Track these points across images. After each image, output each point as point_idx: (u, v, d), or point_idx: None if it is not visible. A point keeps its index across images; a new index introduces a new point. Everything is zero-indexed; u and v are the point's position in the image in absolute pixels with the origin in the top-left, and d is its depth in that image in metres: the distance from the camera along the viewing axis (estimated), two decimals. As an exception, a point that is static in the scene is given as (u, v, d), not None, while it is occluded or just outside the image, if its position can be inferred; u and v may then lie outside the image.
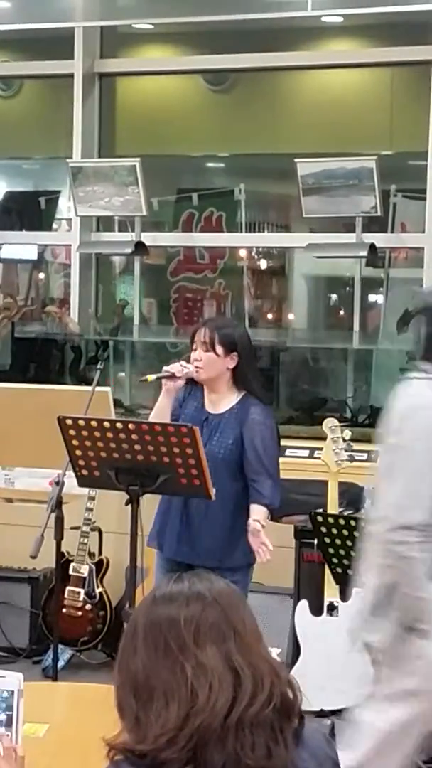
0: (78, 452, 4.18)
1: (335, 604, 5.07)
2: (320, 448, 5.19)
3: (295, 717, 1.70)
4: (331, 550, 4.07)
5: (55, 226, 8.59)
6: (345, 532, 4.01)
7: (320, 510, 4.83)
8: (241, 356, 4.32)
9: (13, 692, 1.94)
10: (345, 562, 4.07)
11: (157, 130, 8.22)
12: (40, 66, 8.13)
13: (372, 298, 7.93)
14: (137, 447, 4.06)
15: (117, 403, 6.47)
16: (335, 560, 4.09)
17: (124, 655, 1.70)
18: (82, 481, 4.33)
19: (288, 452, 6.15)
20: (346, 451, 5.09)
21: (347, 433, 5.12)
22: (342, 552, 4.05)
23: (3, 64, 8.37)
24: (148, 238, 7.51)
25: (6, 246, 8.33)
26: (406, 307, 7.42)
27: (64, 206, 8.25)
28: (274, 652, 5.48)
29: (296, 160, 6.92)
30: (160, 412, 4.32)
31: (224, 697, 1.61)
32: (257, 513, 4.26)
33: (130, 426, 4.08)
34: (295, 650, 5.17)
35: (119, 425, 4.10)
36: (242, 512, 4.29)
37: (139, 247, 7.43)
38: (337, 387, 7.28)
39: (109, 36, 7.97)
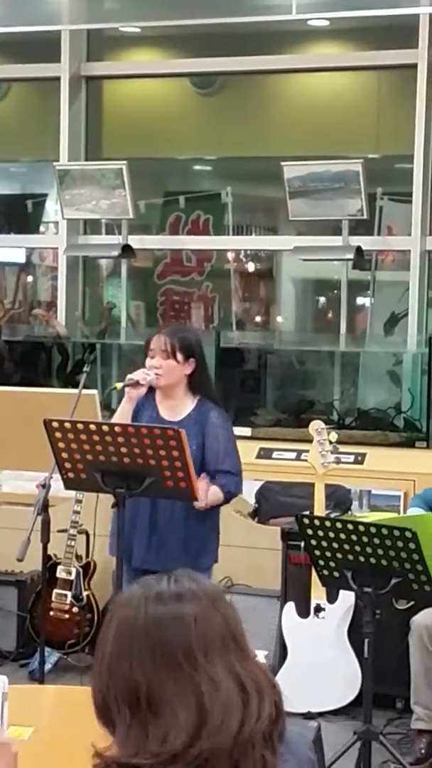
0: (64, 455, 4.18)
1: (322, 606, 5.08)
2: (307, 451, 5.20)
3: (283, 721, 1.66)
4: (317, 552, 4.07)
5: (42, 229, 8.59)
6: (331, 534, 4.00)
7: (306, 512, 4.83)
8: (198, 361, 4.37)
9: (-4, 695, 1.94)
10: (331, 564, 4.07)
11: (144, 133, 8.23)
12: (26, 69, 8.13)
13: (359, 300, 7.95)
14: (123, 450, 4.06)
15: (103, 406, 6.47)
16: (321, 562, 4.08)
17: (117, 662, 1.60)
18: (69, 484, 4.32)
19: (275, 455, 6.17)
20: (332, 453, 5.10)
21: (333, 435, 5.13)
22: (328, 554, 4.04)
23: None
24: (135, 241, 7.52)
25: (-7, 249, 8.34)
26: (392, 310, 7.45)
27: (51, 209, 8.25)
28: (261, 654, 5.51)
29: (282, 163, 6.94)
30: (123, 418, 4.33)
31: (236, 716, 1.56)
32: (211, 491, 4.24)
33: (116, 428, 4.08)
34: (282, 652, 5.17)
35: (105, 428, 4.10)
36: (206, 516, 4.33)
37: (126, 249, 7.43)
38: (324, 389, 7.29)
39: (96, 39, 7.98)
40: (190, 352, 4.35)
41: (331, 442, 5.11)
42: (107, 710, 1.61)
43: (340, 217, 6.92)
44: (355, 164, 6.80)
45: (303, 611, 5.12)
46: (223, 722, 1.55)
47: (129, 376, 4.33)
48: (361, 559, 3.95)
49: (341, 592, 4.94)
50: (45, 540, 4.67)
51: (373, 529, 3.91)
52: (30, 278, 8.85)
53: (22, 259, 8.73)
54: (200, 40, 7.75)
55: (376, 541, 3.90)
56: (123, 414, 4.36)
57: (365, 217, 6.88)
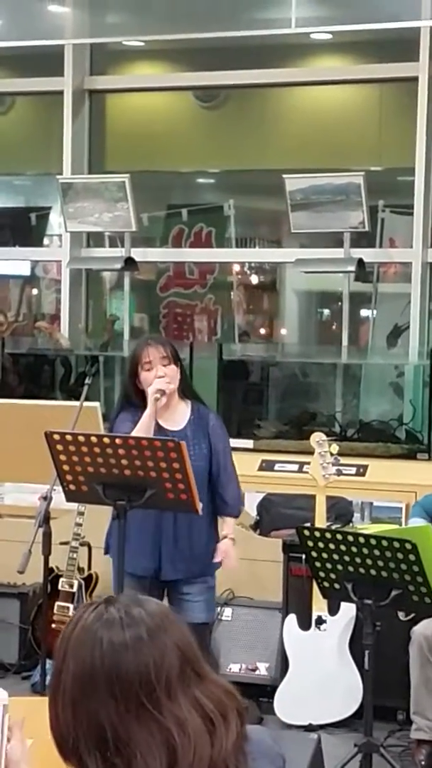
0: (65, 467, 4.19)
1: (323, 618, 5.08)
2: (309, 463, 5.20)
3: (246, 725, 1.65)
4: (317, 564, 4.07)
5: (46, 241, 8.62)
6: (332, 546, 4.00)
7: (307, 524, 4.84)
8: (181, 366, 4.44)
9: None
10: (332, 576, 4.07)
11: (146, 146, 8.26)
12: (30, 83, 8.18)
13: (362, 313, 7.96)
14: (124, 462, 4.07)
15: (106, 419, 6.48)
16: (322, 574, 4.08)
17: (82, 701, 1.57)
18: (70, 496, 4.33)
19: (277, 467, 6.18)
20: (333, 465, 5.10)
21: (335, 447, 5.14)
22: (329, 566, 4.05)
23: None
24: (138, 254, 7.55)
25: (-3, 262, 8.37)
26: (395, 322, 7.46)
27: (55, 222, 8.28)
28: (263, 667, 5.50)
29: (284, 175, 6.96)
30: (147, 431, 4.32)
31: (206, 748, 1.56)
32: (229, 527, 4.44)
33: (117, 441, 4.08)
34: (283, 664, 5.17)
35: (106, 440, 4.11)
36: (213, 518, 4.43)
37: (129, 262, 7.46)
38: (326, 402, 7.30)
39: (99, 53, 8.02)
40: (178, 358, 4.41)
41: (332, 454, 5.12)
42: (75, 750, 1.59)
43: (342, 230, 6.94)
44: (356, 177, 6.83)
45: (304, 623, 5.12)
46: (194, 758, 1.54)
47: (157, 388, 4.28)
48: (362, 570, 3.96)
49: (342, 604, 4.94)
50: (46, 552, 4.68)
51: (373, 541, 3.91)
52: (34, 291, 8.88)
53: (26, 272, 8.76)
54: (203, 53, 7.78)
55: (376, 552, 3.91)
56: (145, 427, 4.29)
57: (367, 229, 6.90)
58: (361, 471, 6.00)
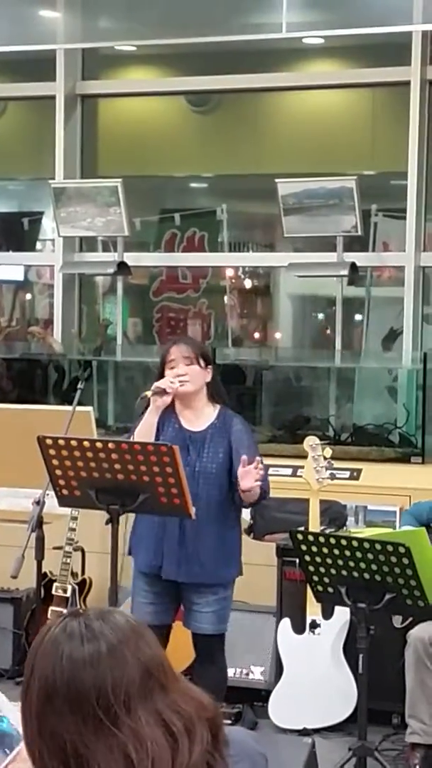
0: (58, 472, 4.19)
1: (317, 622, 5.08)
2: (303, 467, 5.20)
3: (223, 731, 1.63)
4: (311, 568, 4.07)
5: (39, 246, 8.61)
6: (325, 550, 4.00)
7: (300, 528, 4.84)
8: (214, 369, 4.45)
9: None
10: (325, 579, 4.07)
11: (139, 150, 8.26)
12: (22, 88, 8.17)
13: (356, 317, 7.96)
14: (117, 466, 4.07)
15: (100, 424, 6.48)
16: (315, 578, 4.08)
17: (44, 715, 1.56)
18: (63, 501, 4.33)
19: (271, 471, 6.14)
20: (327, 469, 5.10)
21: (328, 451, 5.14)
22: (322, 570, 4.05)
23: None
24: (131, 258, 7.54)
25: (-10, 267, 8.36)
26: (391, 326, 7.46)
27: (48, 227, 8.28)
28: (257, 671, 5.50)
29: (277, 180, 6.96)
30: (148, 430, 4.32)
31: (165, 765, 1.54)
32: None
33: (110, 445, 4.08)
34: (278, 668, 5.17)
35: (99, 444, 4.11)
36: (231, 525, 4.38)
37: (122, 267, 7.45)
38: (320, 405, 7.30)
39: (91, 58, 8.02)
40: (209, 360, 4.42)
41: (325, 458, 5.12)
42: (43, 764, 1.59)
43: (335, 234, 6.94)
44: (349, 181, 6.83)
45: (298, 627, 5.12)
46: None
47: (156, 384, 4.30)
48: (355, 574, 3.96)
49: (337, 608, 4.94)
50: (39, 557, 4.68)
51: (366, 545, 3.92)
52: (28, 296, 8.87)
53: (19, 277, 8.75)
54: (195, 58, 7.78)
55: (370, 556, 3.91)
56: (148, 427, 4.31)
57: (360, 233, 6.90)
58: (355, 475, 6.00)
